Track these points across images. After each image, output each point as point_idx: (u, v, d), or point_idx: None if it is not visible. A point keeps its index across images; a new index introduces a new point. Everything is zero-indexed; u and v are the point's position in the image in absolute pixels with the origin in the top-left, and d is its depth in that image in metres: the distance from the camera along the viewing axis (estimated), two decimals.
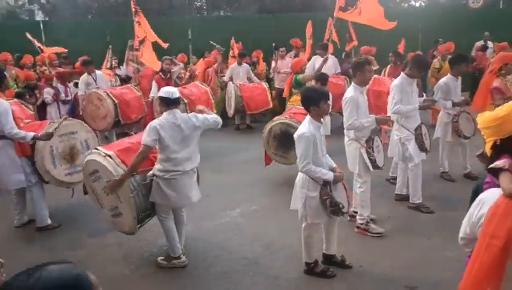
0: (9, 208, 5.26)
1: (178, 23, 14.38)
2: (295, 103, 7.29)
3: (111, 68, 9.89)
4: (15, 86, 8.04)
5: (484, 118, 2.21)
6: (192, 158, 3.98)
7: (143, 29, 8.13)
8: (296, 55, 10.12)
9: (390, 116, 5.07)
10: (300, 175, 3.75)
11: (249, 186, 6.27)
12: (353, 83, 4.64)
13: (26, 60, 9.42)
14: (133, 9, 8.07)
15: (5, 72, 5.63)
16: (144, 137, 3.77)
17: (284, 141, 6.02)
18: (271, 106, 9.52)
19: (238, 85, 9.47)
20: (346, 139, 4.69)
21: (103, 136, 8.47)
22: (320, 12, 16.54)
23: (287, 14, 16.75)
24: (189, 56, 11.48)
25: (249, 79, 9.84)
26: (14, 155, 4.73)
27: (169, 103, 3.89)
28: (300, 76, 7.38)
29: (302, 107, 5.98)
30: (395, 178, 5.66)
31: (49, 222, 5.04)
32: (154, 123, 3.83)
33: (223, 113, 9.63)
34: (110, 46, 10.08)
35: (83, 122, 5.44)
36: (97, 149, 4.11)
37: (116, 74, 8.89)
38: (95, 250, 4.53)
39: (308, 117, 3.72)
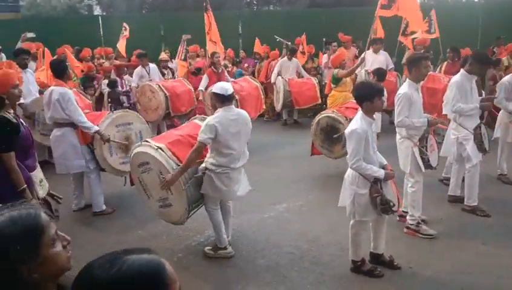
0: (68, 193, 5.56)
1: (229, 18, 14.56)
2: (332, 99, 7.23)
3: (185, 59, 10.17)
4: (75, 77, 8.47)
5: None
6: (243, 153, 4.06)
7: (209, 25, 8.45)
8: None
9: (446, 116, 4.87)
10: (349, 171, 3.69)
11: (295, 181, 6.26)
12: (407, 79, 4.49)
13: (86, 53, 9.89)
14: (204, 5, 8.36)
15: (66, 63, 5.95)
16: (201, 134, 3.82)
17: (330, 134, 6.04)
18: (319, 101, 9.42)
19: (286, 80, 9.44)
20: (398, 137, 4.55)
21: (155, 127, 8.76)
22: (371, 7, 16.14)
23: (337, 8, 16.46)
24: (239, 51, 11.58)
25: (299, 74, 9.77)
26: (76, 142, 4.99)
27: (223, 100, 3.91)
28: (335, 71, 7.21)
29: (355, 102, 5.95)
30: (449, 179, 5.43)
31: (104, 207, 5.29)
32: (211, 121, 3.85)
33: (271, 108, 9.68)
34: (184, 38, 10.16)
35: (138, 114, 5.64)
36: (147, 141, 4.19)
37: (169, 67, 9.12)
38: (144, 237, 4.69)
39: (360, 113, 3.64)
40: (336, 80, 7.12)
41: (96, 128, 4.87)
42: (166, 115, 8.01)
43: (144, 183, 4.20)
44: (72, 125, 4.95)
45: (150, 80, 8.15)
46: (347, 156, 3.64)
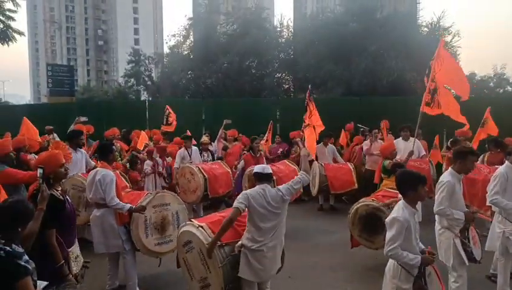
0: (102, 272, 5.56)
1: (267, 104, 15.21)
2: (385, 187, 7.04)
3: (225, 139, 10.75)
4: (119, 158, 8.90)
5: None
6: (278, 232, 4.08)
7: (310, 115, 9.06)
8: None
9: (490, 207, 4.70)
10: (391, 263, 3.54)
11: (333, 270, 6.02)
12: (450, 169, 4.43)
13: (134, 134, 10.49)
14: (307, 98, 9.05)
15: (113, 147, 6.29)
16: (236, 201, 3.99)
17: (370, 223, 5.83)
18: (356, 186, 9.33)
19: (323, 164, 9.51)
20: (438, 227, 4.39)
21: (191, 208, 8.87)
22: (405, 96, 16.45)
23: (373, 97, 16.88)
24: (275, 135, 11.85)
25: (334, 160, 9.85)
26: (114, 223, 5.09)
27: (261, 178, 4.14)
28: (386, 162, 6.86)
29: (392, 190, 5.82)
30: (496, 275, 5.06)
31: (137, 289, 5.23)
32: (246, 191, 4.08)
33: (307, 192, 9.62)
34: (225, 123, 10.66)
35: (176, 195, 5.76)
36: (191, 221, 4.40)
37: (209, 150, 9.46)
38: None
39: (402, 201, 3.58)
40: (387, 171, 6.78)
41: (128, 206, 4.99)
42: (204, 196, 8.14)
43: (188, 263, 4.29)
44: None
45: (191, 162, 8.43)
46: (385, 243, 3.52)
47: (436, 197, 4.30)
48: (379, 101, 13.87)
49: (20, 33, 23.45)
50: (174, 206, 5.48)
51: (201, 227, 4.15)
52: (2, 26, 22.21)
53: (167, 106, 10.86)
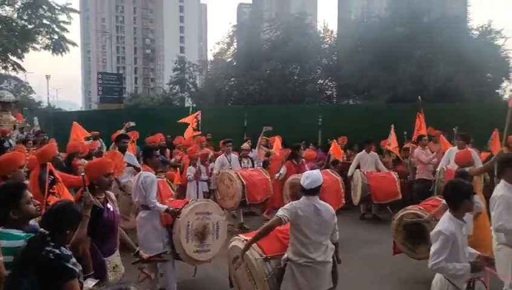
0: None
1: (309, 110, 15.08)
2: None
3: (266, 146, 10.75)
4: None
5: None
6: (324, 248, 3.94)
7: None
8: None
9: None
10: (438, 277, 3.38)
11: (374, 282, 5.83)
12: (502, 181, 4.17)
13: (178, 141, 10.70)
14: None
15: (156, 152, 6.38)
16: (280, 210, 3.89)
17: (414, 232, 5.64)
18: (400, 197, 9.01)
19: (365, 173, 9.27)
20: (495, 243, 4.14)
21: (231, 215, 8.90)
22: (451, 102, 15.75)
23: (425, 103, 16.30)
24: (318, 142, 11.72)
25: (377, 168, 9.56)
26: (158, 225, 5.17)
27: (312, 190, 3.94)
28: (467, 169, 6.20)
29: (439, 199, 5.55)
30: None
31: None
32: (294, 203, 3.94)
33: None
34: (265, 130, 10.50)
35: (218, 206, 5.75)
36: (238, 236, 4.41)
37: (249, 156, 9.47)
38: None
39: (448, 213, 3.40)
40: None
41: (166, 207, 5.07)
42: (242, 203, 8.14)
43: (238, 280, 4.28)
44: None
45: (231, 168, 8.47)
46: (430, 256, 3.35)
47: (493, 213, 4.06)
48: (426, 108, 13.38)
49: (73, 43, 24.66)
50: (216, 216, 5.47)
51: (247, 241, 4.11)
52: (56, 37, 23.44)
53: (199, 112, 10.91)
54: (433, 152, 9.20)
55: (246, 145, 9.72)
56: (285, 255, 3.96)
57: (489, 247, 4.99)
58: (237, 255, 4.14)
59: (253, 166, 9.27)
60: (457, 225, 3.32)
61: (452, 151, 7.98)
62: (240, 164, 9.00)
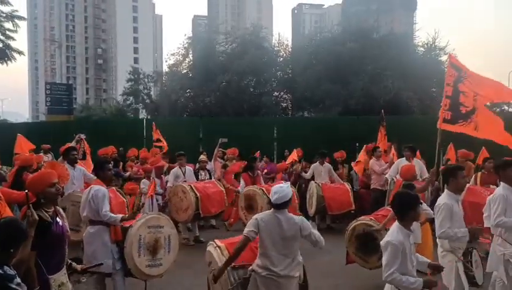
0: None
1: (265, 122, 15.23)
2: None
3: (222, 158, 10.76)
4: None
5: None
6: (289, 262, 3.87)
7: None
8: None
9: (489, 229, 4.63)
10: (388, 287, 3.46)
11: None
12: (446, 190, 4.39)
13: (131, 153, 10.43)
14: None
15: (108, 165, 6.18)
16: (245, 228, 3.89)
17: (366, 242, 5.80)
18: (353, 207, 9.26)
19: (320, 185, 9.45)
20: (440, 250, 4.33)
21: (186, 228, 8.75)
22: (404, 116, 16.50)
23: (370, 116, 16.95)
24: (274, 154, 11.84)
25: (331, 180, 9.78)
26: (107, 240, 5.00)
27: (280, 205, 3.88)
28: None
29: (390, 209, 5.74)
30: None
31: None
32: (256, 216, 3.93)
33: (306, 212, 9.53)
34: (220, 141, 10.31)
35: (169, 219, 5.63)
36: (213, 241, 4.44)
37: (207, 169, 9.38)
38: None
39: (396, 223, 3.51)
40: None
41: (120, 216, 4.94)
42: (196, 215, 8.02)
43: (212, 286, 4.25)
44: (106, 223, 5.01)
45: (185, 181, 8.35)
46: (383, 268, 3.45)
47: (436, 222, 4.26)
48: (376, 120, 13.89)
49: (20, 52, 23.64)
50: (167, 229, 5.35)
51: (219, 247, 4.22)
52: (1, 46, 22.38)
53: (153, 123, 10.78)
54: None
55: (203, 157, 9.65)
56: (252, 267, 3.93)
57: (430, 252, 5.34)
58: (210, 260, 4.24)
59: (210, 178, 9.18)
60: (405, 234, 3.43)
61: (400, 162, 8.32)
62: (197, 177, 8.90)
